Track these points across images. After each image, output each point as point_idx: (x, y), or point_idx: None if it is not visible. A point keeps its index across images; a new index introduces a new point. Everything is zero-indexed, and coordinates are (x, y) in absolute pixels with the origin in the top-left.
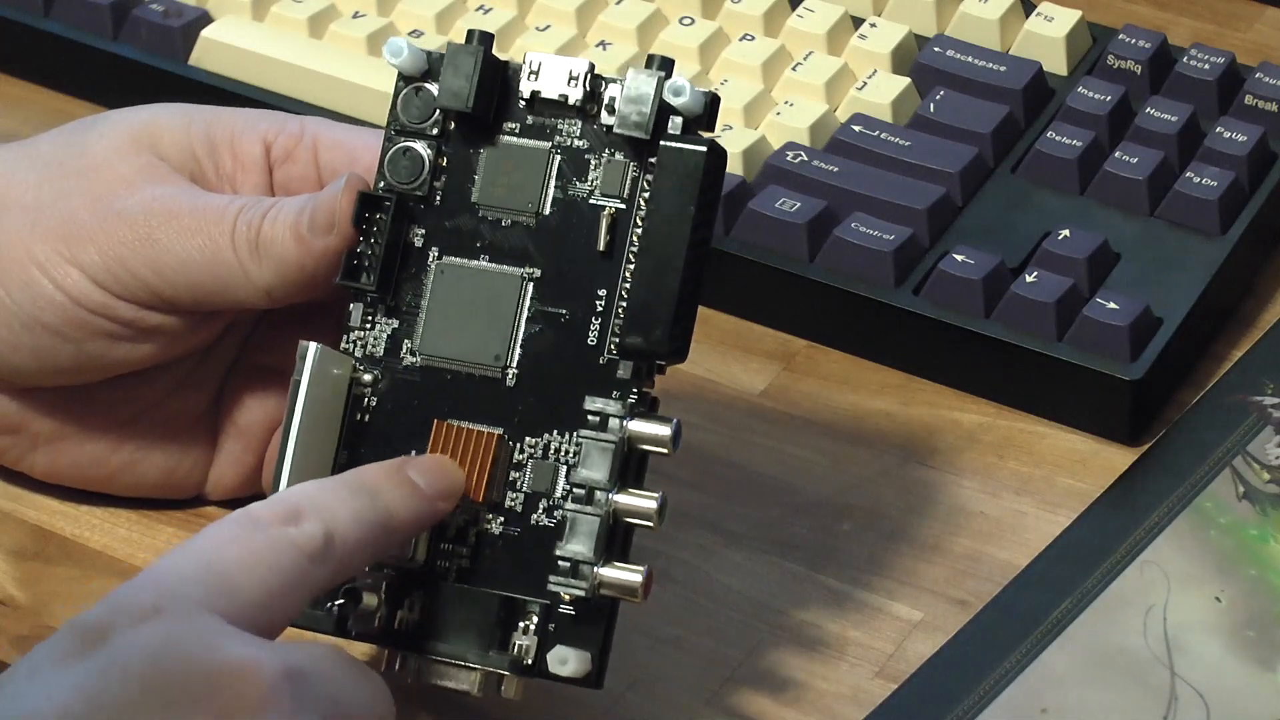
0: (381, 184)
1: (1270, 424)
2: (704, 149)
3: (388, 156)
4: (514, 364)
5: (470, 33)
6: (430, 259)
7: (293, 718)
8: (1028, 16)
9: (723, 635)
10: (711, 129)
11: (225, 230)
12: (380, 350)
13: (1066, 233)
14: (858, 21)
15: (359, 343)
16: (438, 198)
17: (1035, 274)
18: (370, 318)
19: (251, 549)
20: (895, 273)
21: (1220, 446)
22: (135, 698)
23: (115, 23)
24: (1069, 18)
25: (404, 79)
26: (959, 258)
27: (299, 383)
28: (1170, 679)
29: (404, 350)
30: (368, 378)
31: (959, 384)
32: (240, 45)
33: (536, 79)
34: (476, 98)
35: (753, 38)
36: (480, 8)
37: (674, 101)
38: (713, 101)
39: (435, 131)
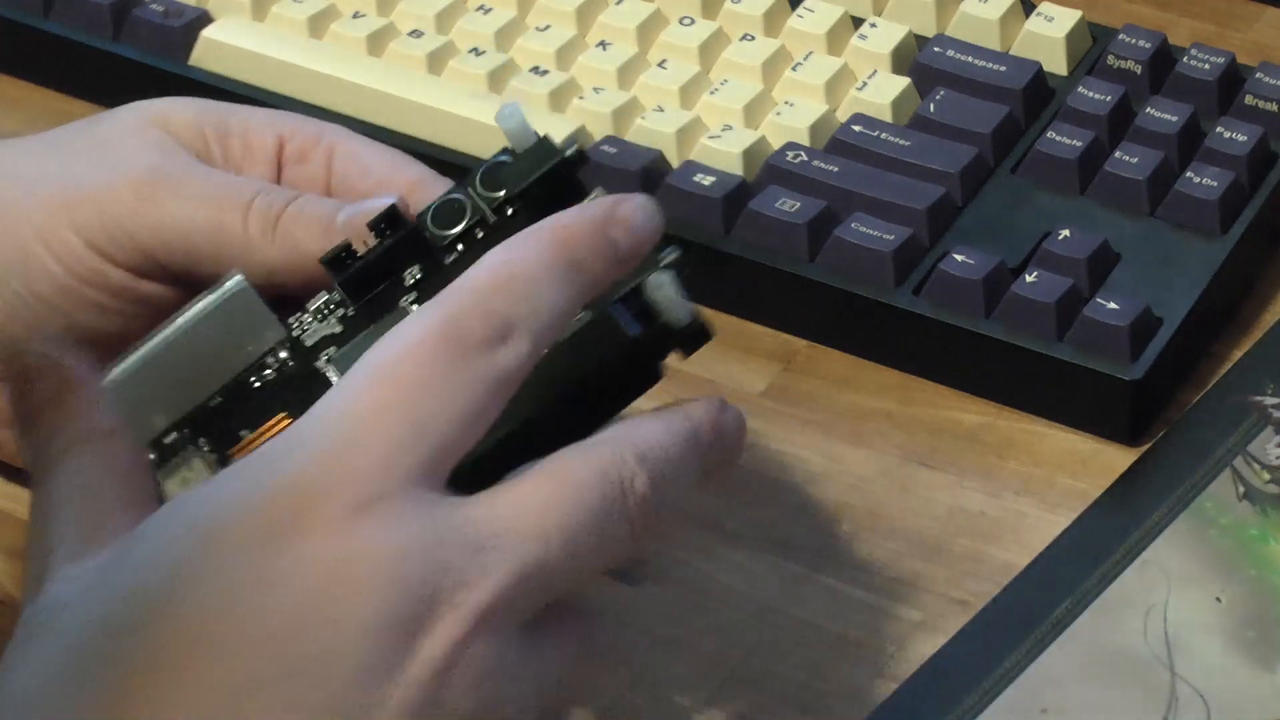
0: (417, 218)
1: (1270, 424)
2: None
3: (439, 201)
4: None
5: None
6: (403, 303)
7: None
8: (1028, 16)
9: (723, 635)
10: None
11: (238, 204)
12: (309, 343)
13: (1066, 233)
14: (858, 21)
15: (300, 325)
16: (449, 259)
17: (1035, 274)
18: (325, 314)
19: (458, 393)
20: (895, 273)
21: (1220, 446)
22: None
23: (115, 23)
24: (1069, 18)
25: (507, 151)
26: (959, 258)
27: (201, 302)
28: (1170, 679)
29: (324, 355)
30: (283, 355)
31: (959, 384)
32: (240, 45)
33: None
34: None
35: (753, 38)
36: (480, 8)
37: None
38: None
39: (494, 207)
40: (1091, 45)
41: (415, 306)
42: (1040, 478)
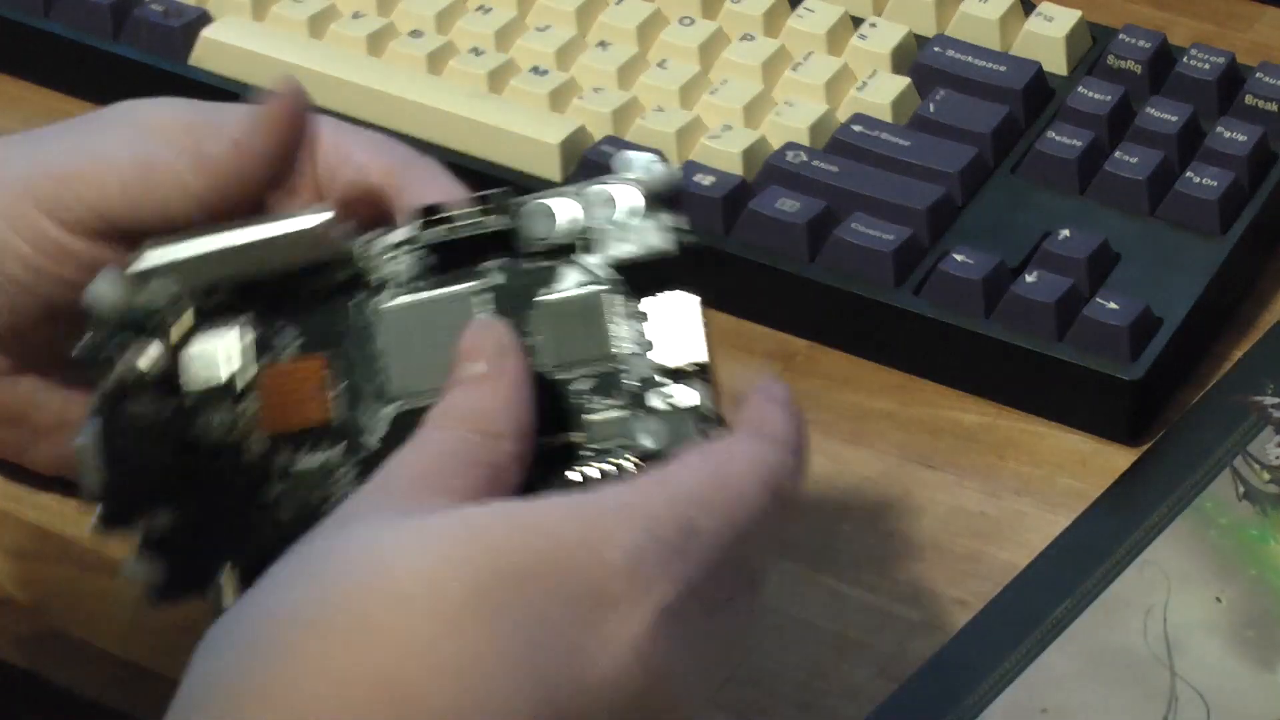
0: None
1: (1270, 424)
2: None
3: (532, 203)
4: None
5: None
6: (475, 300)
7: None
8: (1028, 16)
9: None
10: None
11: (169, 142)
12: (370, 279)
13: (1066, 233)
14: (858, 21)
15: (369, 254)
16: (528, 265)
17: (1035, 274)
18: (396, 254)
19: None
20: (895, 273)
21: (1220, 446)
22: None
23: (115, 23)
24: (1069, 18)
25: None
26: (959, 258)
27: (281, 222)
28: (1170, 679)
29: (374, 302)
30: (341, 276)
31: (959, 384)
32: (240, 45)
33: None
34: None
35: (753, 38)
36: (480, 8)
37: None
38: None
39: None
40: (1091, 45)
41: (489, 312)
42: (1040, 478)
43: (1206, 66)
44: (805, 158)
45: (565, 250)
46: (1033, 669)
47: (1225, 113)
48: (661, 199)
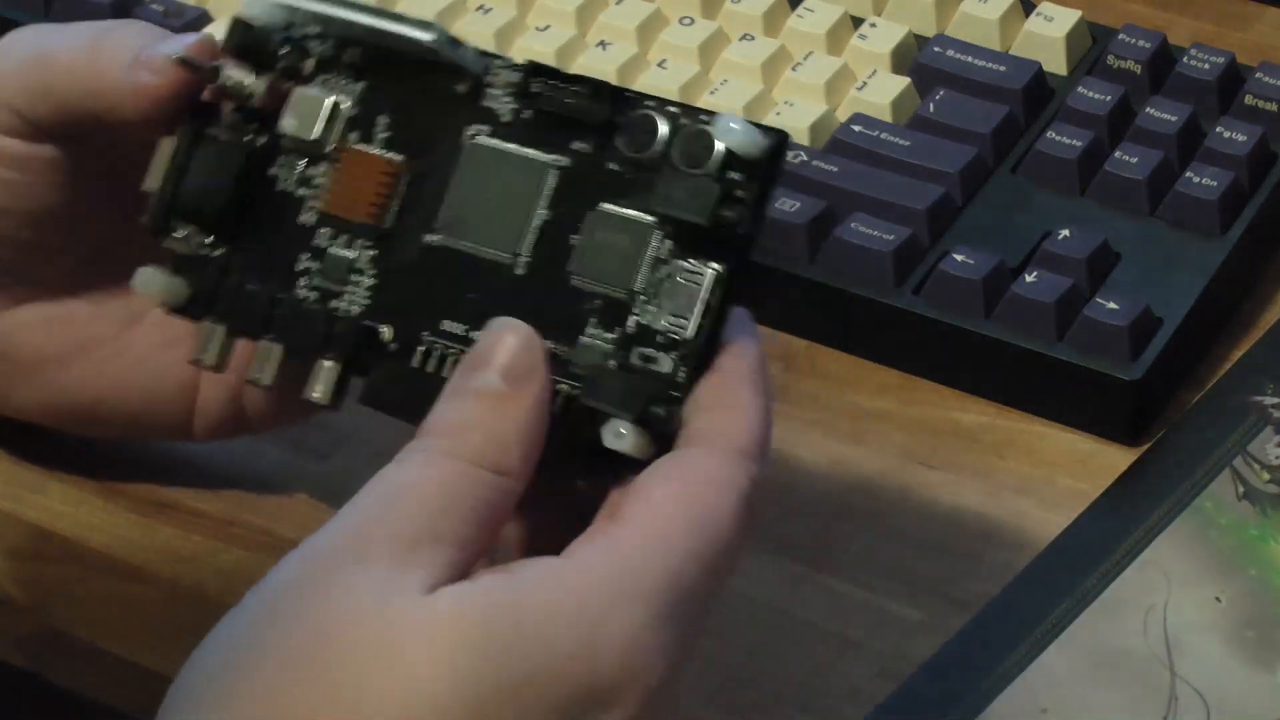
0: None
1: (1270, 424)
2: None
3: (639, 112)
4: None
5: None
6: (550, 163)
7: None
8: (1028, 16)
9: (723, 635)
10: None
11: (110, 44)
12: (483, 104)
13: (1066, 233)
14: (858, 21)
15: (489, 87)
16: (613, 164)
17: (1035, 274)
18: (509, 97)
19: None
20: (895, 273)
21: (1220, 446)
22: None
23: None
24: (1069, 18)
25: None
26: (959, 258)
27: (399, 25)
28: (1170, 679)
29: (474, 132)
30: (461, 89)
31: (959, 384)
32: None
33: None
34: None
35: (753, 38)
36: (480, 8)
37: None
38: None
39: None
40: (1091, 45)
41: (556, 193)
42: (1040, 478)
43: (1206, 66)
44: (805, 158)
45: (648, 168)
46: (1033, 669)
47: (1225, 113)
48: (751, 169)
